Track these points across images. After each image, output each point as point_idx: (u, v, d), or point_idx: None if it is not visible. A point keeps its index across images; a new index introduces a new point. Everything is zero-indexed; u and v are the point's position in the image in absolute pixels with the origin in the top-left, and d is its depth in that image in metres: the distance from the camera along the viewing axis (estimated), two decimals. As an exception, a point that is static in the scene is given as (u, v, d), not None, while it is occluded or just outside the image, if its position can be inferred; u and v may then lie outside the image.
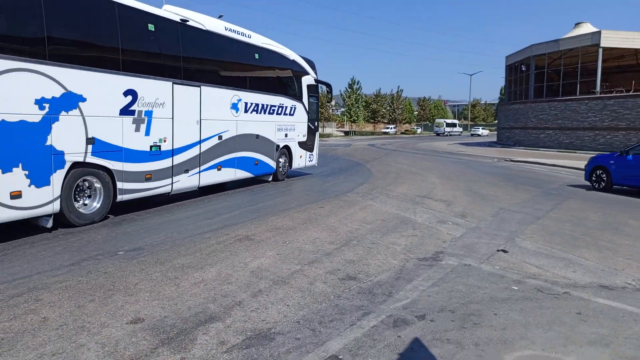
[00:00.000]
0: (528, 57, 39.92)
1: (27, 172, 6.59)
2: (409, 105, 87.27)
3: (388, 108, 79.51)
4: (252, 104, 12.32)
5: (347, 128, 72.08)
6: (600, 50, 34.06)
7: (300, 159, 15.41)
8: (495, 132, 52.58)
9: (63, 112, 7.09)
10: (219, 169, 11.17)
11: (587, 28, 39.58)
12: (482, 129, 75.34)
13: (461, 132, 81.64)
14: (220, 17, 46.96)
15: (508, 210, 9.97)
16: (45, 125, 6.83)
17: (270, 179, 14.02)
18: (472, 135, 72.20)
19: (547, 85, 39.02)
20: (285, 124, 14.20)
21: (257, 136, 12.76)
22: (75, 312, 4.22)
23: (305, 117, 15.42)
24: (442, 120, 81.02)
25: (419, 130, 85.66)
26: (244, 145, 12.16)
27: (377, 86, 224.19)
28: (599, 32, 34.13)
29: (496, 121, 65.28)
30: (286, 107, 14.17)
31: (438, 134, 75.34)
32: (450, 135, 75.41)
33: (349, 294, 4.89)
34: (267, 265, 5.75)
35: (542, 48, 38.31)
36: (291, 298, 4.72)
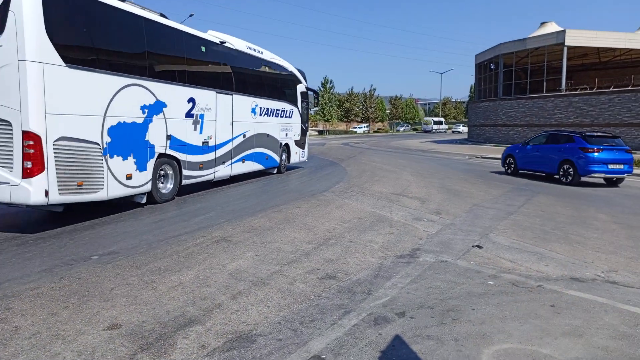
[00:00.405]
0: (497, 56, 40.77)
1: (135, 160, 8.87)
2: (381, 104, 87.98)
3: (361, 107, 79.99)
4: (264, 108, 14.71)
5: (320, 127, 72.18)
6: (565, 49, 35.06)
7: (295, 155, 17.78)
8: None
9: (154, 115, 9.42)
10: (243, 162, 13.60)
11: (552, 27, 40.67)
12: (463, 126, 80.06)
13: (446, 129, 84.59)
14: (190, 15, 46.13)
15: (481, 207, 10.17)
16: (146, 125, 9.20)
17: (275, 171, 16.22)
18: (453, 132, 76.43)
19: (515, 83, 39.96)
20: (285, 125, 16.58)
21: (268, 135, 15.11)
22: (48, 319, 4.10)
23: (299, 119, 17.85)
24: (430, 119, 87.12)
25: (402, 129, 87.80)
26: (259, 143, 14.55)
27: (350, 85, 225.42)
28: (563, 31, 35.13)
29: (466, 119, 66.65)
30: (286, 110, 16.62)
31: (426, 131, 79.74)
32: (437, 132, 78.58)
33: (329, 293, 4.90)
34: (245, 266, 5.71)
35: (510, 47, 39.18)
36: (271, 299, 4.70)
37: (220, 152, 12.11)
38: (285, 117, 16.54)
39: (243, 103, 13.31)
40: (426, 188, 12.97)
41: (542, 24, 42.68)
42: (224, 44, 12.42)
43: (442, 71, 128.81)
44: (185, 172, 10.60)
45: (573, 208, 10.24)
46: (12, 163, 6.87)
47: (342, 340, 3.83)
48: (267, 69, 15.21)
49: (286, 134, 16.66)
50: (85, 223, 7.91)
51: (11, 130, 6.81)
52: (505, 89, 40.68)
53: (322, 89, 69.55)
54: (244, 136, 13.47)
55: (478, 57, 45.71)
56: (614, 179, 14.85)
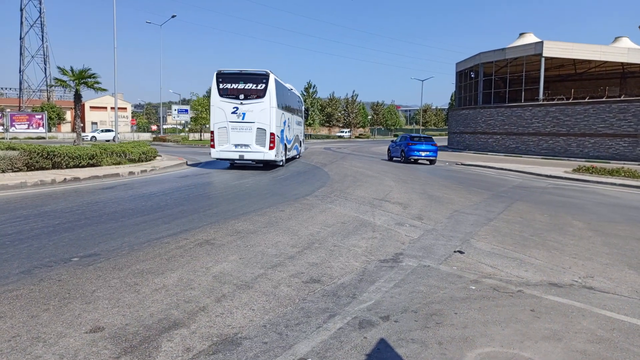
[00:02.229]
0: (477, 65, 41.47)
1: (282, 145, 20.13)
2: (363, 110, 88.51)
3: (343, 112, 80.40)
4: (297, 120, 25.57)
5: (302, 131, 72.31)
6: (543, 60, 35.88)
7: (302, 148, 29.03)
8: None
9: (284, 126, 20.38)
10: (293, 150, 23.96)
11: (530, 38, 41.62)
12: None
13: None
14: (173, 17, 45.75)
15: (462, 213, 10.32)
16: (283, 130, 20.36)
17: (298, 156, 26.70)
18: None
19: (495, 92, 40.70)
20: (300, 130, 27.98)
21: (297, 136, 26.05)
22: (28, 322, 4.02)
23: (303, 126, 30.31)
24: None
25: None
26: (296, 140, 25.27)
27: (331, 90, 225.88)
28: (541, 43, 35.95)
29: (447, 126, 67.52)
30: (301, 121, 28.16)
31: None
32: None
33: (314, 296, 4.92)
34: (229, 269, 5.69)
35: (489, 56, 39.90)
36: (256, 302, 4.69)
37: (291, 143, 23.10)
38: (300, 125, 27.93)
39: (293, 118, 23.93)
40: (407, 194, 13.11)
41: (521, 34, 43.62)
42: (291, 90, 24.32)
43: (423, 78, 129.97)
44: (287, 152, 21.62)
45: (550, 215, 10.48)
46: (265, 144, 18.13)
47: (328, 343, 3.85)
48: (298, 100, 27.08)
49: (299, 136, 27.41)
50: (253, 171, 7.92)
51: (265, 132, 18.03)
52: (485, 98, 41.36)
53: (305, 94, 69.74)
54: (294, 135, 24.41)
55: (459, 66, 46.42)
56: (428, 160, 26.70)
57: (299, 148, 26.76)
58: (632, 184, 17.12)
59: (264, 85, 18.24)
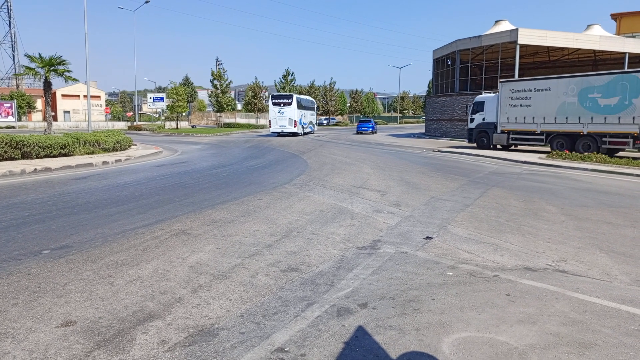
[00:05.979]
0: (453, 52, 41.66)
1: (303, 124, 42.48)
2: (342, 97, 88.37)
3: (321, 99, 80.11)
4: (310, 112, 46.44)
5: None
6: (518, 47, 36.23)
7: (316, 128, 51.12)
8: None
9: (301, 116, 41.55)
10: (307, 128, 44.48)
11: (505, 25, 41.89)
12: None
13: None
14: (147, 2, 44.64)
15: (439, 199, 10.41)
16: (302, 118, 41.76)
17: (313, 132, 46.90)
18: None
19: (471, 79, 41.02)
20: (314, 117, 49.00)
21: (311, 121, 46.89)
22: (-4, 317, 3.89)
23: (315, 115, 51.18)
24: None
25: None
26: (310, 123, 46.01)
27: (310, 77, 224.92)
28: (516, 30, 36.25)
29: (424, 113, 67.99)
30: (313, 113, 48.80)
31: None
32: None
33: (292, 285, 4.89)
34: (206, 259, 5.61)
35: (466, 43, 40.10)
36: (233, 292, 4.64)
37: (306, 125, 43.43)
38: (313, 115, 47.74)
39: (307, 112, 44.13)
40: (385, 181, 13.15)
41: (497, 21, 43.84)
42: (306, 98, 46.24)
43: (400, 66, 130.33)
44: (303, 129, 42.18)
45: (525, 200, 10.65)
46: (292, 125, 39.18)
47: (306, 332, 3.83)
48: (310, 102, 47.68)
49: (313, 120, 47.26)
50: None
51: (292, 119, 39.25)
52: (461, 85, 41.67)
53: (283, 81, 69.10)
54: (308, 121, 44.33)
55: (436, 53, 46.55)
56: (369, 132, 48.96)
57: (313, 127, 47.19)
58: (603, 169, 17.54)
59: (291, 100, 38.87)
